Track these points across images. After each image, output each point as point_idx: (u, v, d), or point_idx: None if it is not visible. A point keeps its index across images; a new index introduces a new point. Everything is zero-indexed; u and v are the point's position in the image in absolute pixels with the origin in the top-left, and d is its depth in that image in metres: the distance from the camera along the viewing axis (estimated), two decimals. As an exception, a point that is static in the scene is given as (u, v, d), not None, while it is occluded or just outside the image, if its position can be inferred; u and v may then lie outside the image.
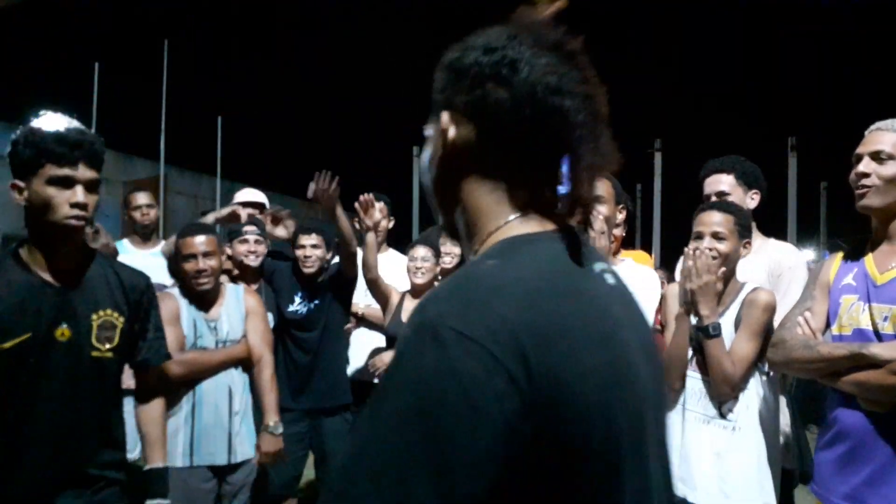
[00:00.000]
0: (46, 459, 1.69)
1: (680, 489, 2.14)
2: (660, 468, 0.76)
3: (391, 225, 3.88)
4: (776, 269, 2.42)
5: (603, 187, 2.07)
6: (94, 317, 1.78)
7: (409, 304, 3.35)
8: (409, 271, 3.33)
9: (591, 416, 0.64)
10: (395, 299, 3.37)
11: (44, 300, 1.70)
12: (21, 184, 1.68)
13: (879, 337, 1.73)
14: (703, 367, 2.12)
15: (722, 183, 2.54)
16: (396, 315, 3.31)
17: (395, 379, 0.63)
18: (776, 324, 2.05)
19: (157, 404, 2.09)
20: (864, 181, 1.80)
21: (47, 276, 1.72)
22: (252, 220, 3.43)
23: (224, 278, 2.98)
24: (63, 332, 1.71)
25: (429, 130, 0.85)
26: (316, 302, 3.23)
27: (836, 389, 1.79)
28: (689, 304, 2.11)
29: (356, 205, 3.16)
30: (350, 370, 3.50)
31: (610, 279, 0.79)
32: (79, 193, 1.66)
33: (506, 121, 0.75)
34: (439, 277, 3.49)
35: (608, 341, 0.69)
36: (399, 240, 4.15)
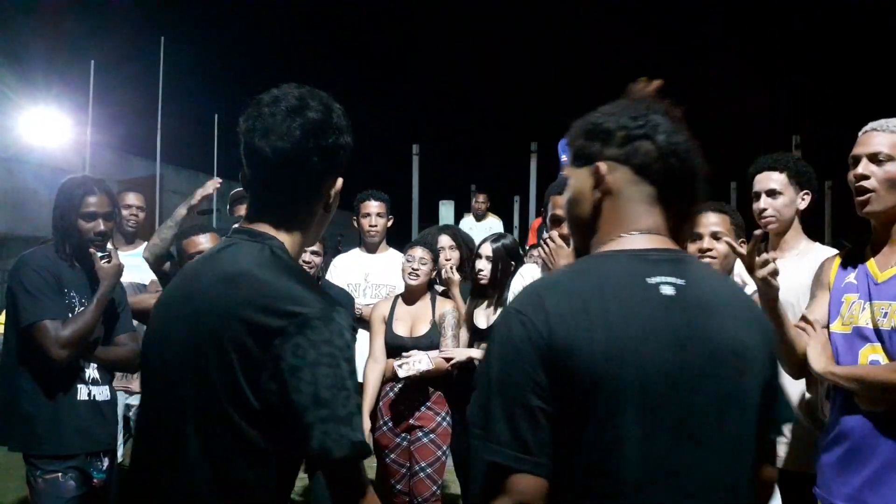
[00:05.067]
0: None
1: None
2: (719, 455, 0.99)
3: (390, 224, 3.85)
4: None
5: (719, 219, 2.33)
6: None
7: (402, 311, 3.29)
8: (403, 272, 3.27)
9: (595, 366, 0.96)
10: (383, 310, 3.31)
11: None
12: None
13: (879, 333, 1.76)
14: None
15: (772, 181, 2.48)
16: (389, 324, 3.26)
17: None
18: None
19: None
20: (864, 183, 1.81)
21: None
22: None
23: None
24: None
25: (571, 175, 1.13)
26: None
27: (837, 391, 1.82)
28: None
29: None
30: None
31: (667, 290, 1.02)
32: None
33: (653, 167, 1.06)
34: (435, 280, 3.46)
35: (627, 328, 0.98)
36: (399, 239, 4.09)
